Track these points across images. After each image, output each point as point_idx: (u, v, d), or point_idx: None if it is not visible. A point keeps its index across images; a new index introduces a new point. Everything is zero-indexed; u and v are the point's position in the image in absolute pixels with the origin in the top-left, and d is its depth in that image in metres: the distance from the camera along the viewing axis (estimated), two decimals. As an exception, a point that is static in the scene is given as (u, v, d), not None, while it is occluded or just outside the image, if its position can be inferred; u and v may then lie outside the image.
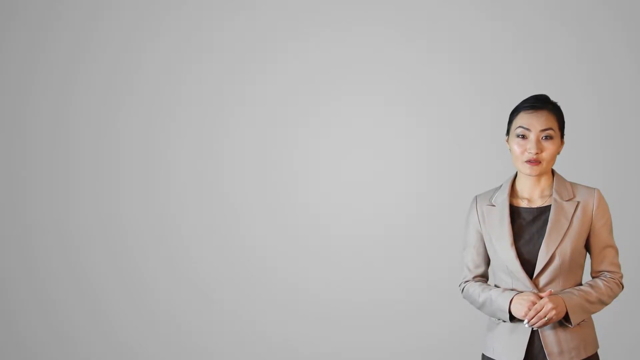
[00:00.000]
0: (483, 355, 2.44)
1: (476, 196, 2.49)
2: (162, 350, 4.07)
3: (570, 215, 2.32)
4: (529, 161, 2.29)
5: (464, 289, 2.46)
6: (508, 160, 2.45)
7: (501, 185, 2.45)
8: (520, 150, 2.30)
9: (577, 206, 2.33)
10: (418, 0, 3.95)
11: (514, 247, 2.30)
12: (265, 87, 4.05)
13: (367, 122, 4.00)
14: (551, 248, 2.28)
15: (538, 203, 2.36)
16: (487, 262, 2.45)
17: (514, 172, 2.43)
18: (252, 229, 4.06)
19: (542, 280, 2.30)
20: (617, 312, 3.73)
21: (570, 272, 2.32)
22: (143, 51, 4.09)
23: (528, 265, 2.30)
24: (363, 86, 3.99)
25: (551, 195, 2.35)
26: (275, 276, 4.04)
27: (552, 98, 2.40)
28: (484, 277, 2.47)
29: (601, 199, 2.36)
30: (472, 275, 2.45)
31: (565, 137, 2.37)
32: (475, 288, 2.41)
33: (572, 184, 2.39)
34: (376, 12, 3.98)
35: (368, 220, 3.99)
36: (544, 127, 2.29)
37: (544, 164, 2.30)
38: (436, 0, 3.94)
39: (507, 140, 2.39)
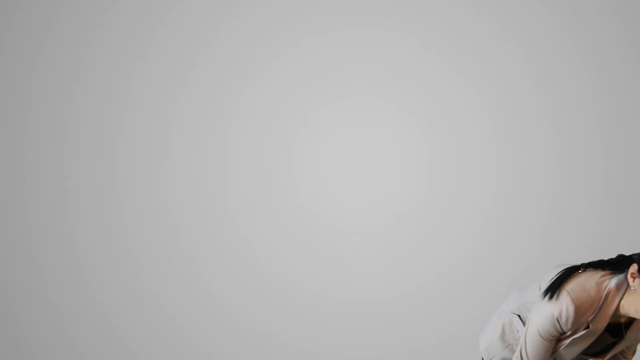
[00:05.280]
0: None
1: (575, 306, 2.07)
2: (162, 350, 4.07)
3: (636, 339, 2.18)
4: None
5: None
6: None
7: (605, 289, 2.09)
8: None
9: None
10: (419, 0, 3.95)
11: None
12: (265, 87, 4.05)
13: (367, 122, 4.00)
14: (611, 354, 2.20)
15: (623, 319, 2.14)
16: None
17: (624, 284, 2.09)
18: (253, 229, 4.05)
19: None
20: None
21: None
22: (142, 53, 4.09)
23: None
24: (363, 86, 3.99)
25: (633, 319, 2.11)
26: (276, 276, 4.04)
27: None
28: None
29: None
30: None
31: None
32: None
33: None
34: (377, 12, 3.98)
35: (368, 220, 3.99)
36: None
37: None
38: (437, 0, 3.94)
39: (635, 278, 2.02)
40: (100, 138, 4.12)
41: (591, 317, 2.06)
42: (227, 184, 4.07)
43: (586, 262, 2.17)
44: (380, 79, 3.97)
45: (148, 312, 4.08)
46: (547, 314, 2.09)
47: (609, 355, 2.20)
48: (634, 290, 2.01)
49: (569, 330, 2.09)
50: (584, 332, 2.08)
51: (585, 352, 2.22)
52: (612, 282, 2.06)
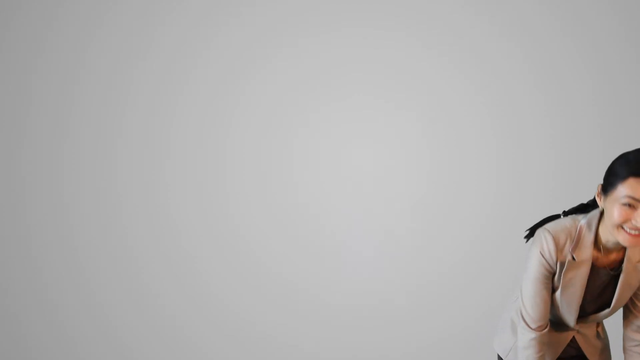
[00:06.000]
0: (500, 357, 2.41)
1: (552, 236, 2.15)
2: (162, 350, 4.07)
3: (637, 278, 2.18)
4: (631, 232, 2.01)
5: (536, 348, 2.21)
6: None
7: (577, 226, 2.16)
8: (622, 219, 2.00)
9: None
10: (419, 0, 3.95)
11: (578, 309, 2.21)
12: (265, 87, 4.05)
13: (367, 122, 4.00)
14: (614, 310, 2.23)
15: (612, 258, 2.17)
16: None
17: (596, 215, 2.16)
18: (252, 229, 4.06)
19: (585, 324, 2.29)
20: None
21: None
22: (142, 53, 4.09)
23: (581, 313, 2.24)
24: (363, 86, 3.99)
25: (623, 251, 2.16)
26: (276, 276, 4.04)
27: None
28: (549, 324, 2.26)
29: None
30: (544, 325, 2.21)
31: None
32: None
33: None
34: (377, 12, 3.98)
35: (368, 220, 3.99)
36: None
37: None
38: (437, 0, 3.94)
39: (599, 196, 2.10)
40: (100, 138, 4.12)
41: (572, 247, 2.13)
42: (227, 184, 4.07)
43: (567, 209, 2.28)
44: (380, 79, 3.97)
45: (148, 312, 4.08)
46: (532, 255, 2.18)
47: (615, 301, 2.20)
48: (603, 209, 2.09)
49: (555, 264, 2.15)
50: (571, 262, 2.14)
51: (593, 310, 2.24)
52: (586, 216, 2.17)
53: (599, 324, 2.38)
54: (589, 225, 2.15)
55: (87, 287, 4.11)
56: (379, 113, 3.99)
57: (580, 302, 2.20)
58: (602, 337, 2.39)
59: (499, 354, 2.42)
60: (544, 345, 2.21)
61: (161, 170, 4.10)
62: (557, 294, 2.20)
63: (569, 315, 2.24)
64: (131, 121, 4.11)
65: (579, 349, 2.34)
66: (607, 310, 2.23)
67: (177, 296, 4.08)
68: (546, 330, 2.21)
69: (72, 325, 4.10)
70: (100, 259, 4.11)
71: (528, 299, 2.21)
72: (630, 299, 2.25)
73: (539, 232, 2.18)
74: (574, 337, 2.31)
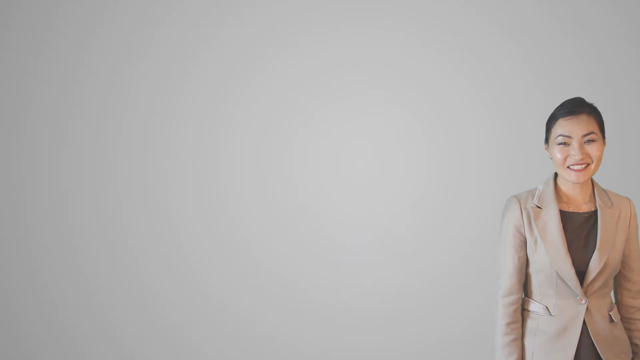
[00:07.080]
0: None
1: (515, 196, 2.42)
2: (162, 351, 4.07)
3: (615, 223, 2.30)
4: (574, 167, 2.25)
5: (502, 314, 2.35)
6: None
7: (537, 188, 2.40)
8: (562, 156, 2.27)
9: (618, 215, 2.32)
10: (419, 0, 3.95)
11: (569, 255, 2.26)
12: (265, 87, 4.05)
13: (367, 122, 4.00)
14: (603, 256, 2.25)
15: (583, 208, 2.33)
16: (525, 270, 2.37)
17: (551, 175, 2.41)
18: (252, 229, 4.06)
19: (591, 289, 2.27)
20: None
21: (612, 280, 2.33)
22: (142, 53, 4.09)
23: (578, 273, 2.27)
24: (363, 86, 3.99)
25: (592, 201, 2.33)
26: (276, 276, 4.04)
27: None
28: (518, 294, 2.36)
29: (634, 209, 2.37)
30: (509, 290, 2.36)
31: (606, 137, 2.34)
32: (506, 335, 2.32)
33: (606, 191, 2.38)
34: (377, 12, 3.98)
35: (368, 220, 3.99)
36: (585, 132, 2.25)
37: (591, 168, 2.26)
38: (437, 0, 3.94)
39: (547, 149, 2.36)
40: (100, 138, 4.12)
41: (535, 200, 2.36)
42: (227, 184, 4.07)
43: None
44: (380, 79, 3.97)
45: (148, 312, 4.08)
46: (502, 220, 2.45)
47: (599, 242, 2.26)
48: (552, 159, 2.33)
49: (521, 218, 2.35)
50: (535, 209, 2.33)
51: (584, 257, 2.29)
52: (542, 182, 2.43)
53: (613, 306, 2.35)
54: (546, 183, 2.39)
55: (87, 287, 4.11)
56: (378, 113, 3.99)
57: (565, 245, 2.26)
58: (616, 325, 2.33)
59: None
60: (510, 316, 2.32)
61: (161, 170, 4.10)
62: (540, 247, 2.29)
63: (565, 264, 2.25)
64: (131, 121, 4.11)
65: (593, 351, 2.29)
66: (596, 255, 2.25)
67: (177, 296, 4.08)
68: (514, 297, 2.33)
69: (72, 325, 4.10)
70: (100, 259, 4.11)
71: (499, 259, 2.41)
72: (623, 261, 2.33)
73: (505, 202, 2.44)
74: (584, 324, 2.27)
